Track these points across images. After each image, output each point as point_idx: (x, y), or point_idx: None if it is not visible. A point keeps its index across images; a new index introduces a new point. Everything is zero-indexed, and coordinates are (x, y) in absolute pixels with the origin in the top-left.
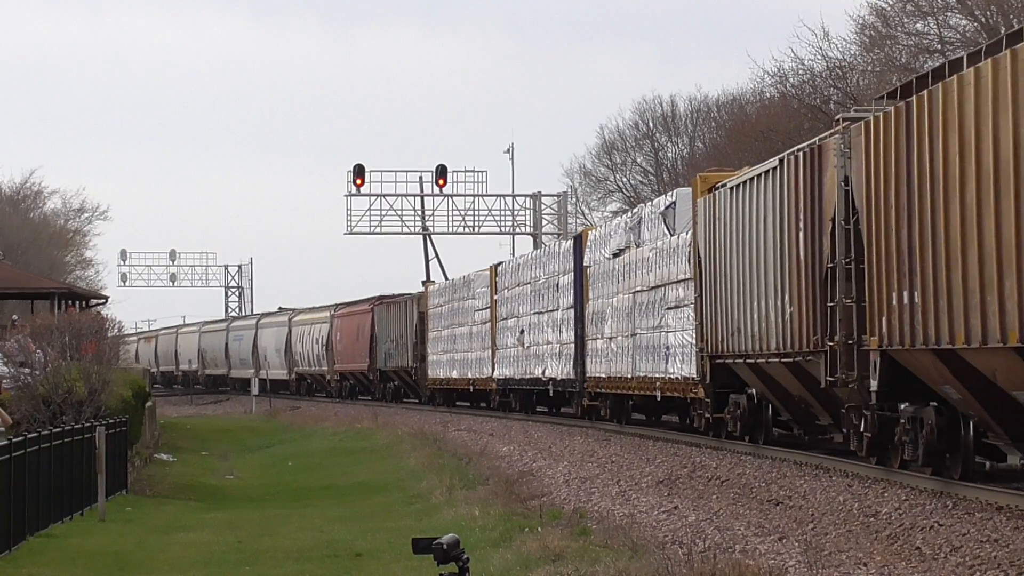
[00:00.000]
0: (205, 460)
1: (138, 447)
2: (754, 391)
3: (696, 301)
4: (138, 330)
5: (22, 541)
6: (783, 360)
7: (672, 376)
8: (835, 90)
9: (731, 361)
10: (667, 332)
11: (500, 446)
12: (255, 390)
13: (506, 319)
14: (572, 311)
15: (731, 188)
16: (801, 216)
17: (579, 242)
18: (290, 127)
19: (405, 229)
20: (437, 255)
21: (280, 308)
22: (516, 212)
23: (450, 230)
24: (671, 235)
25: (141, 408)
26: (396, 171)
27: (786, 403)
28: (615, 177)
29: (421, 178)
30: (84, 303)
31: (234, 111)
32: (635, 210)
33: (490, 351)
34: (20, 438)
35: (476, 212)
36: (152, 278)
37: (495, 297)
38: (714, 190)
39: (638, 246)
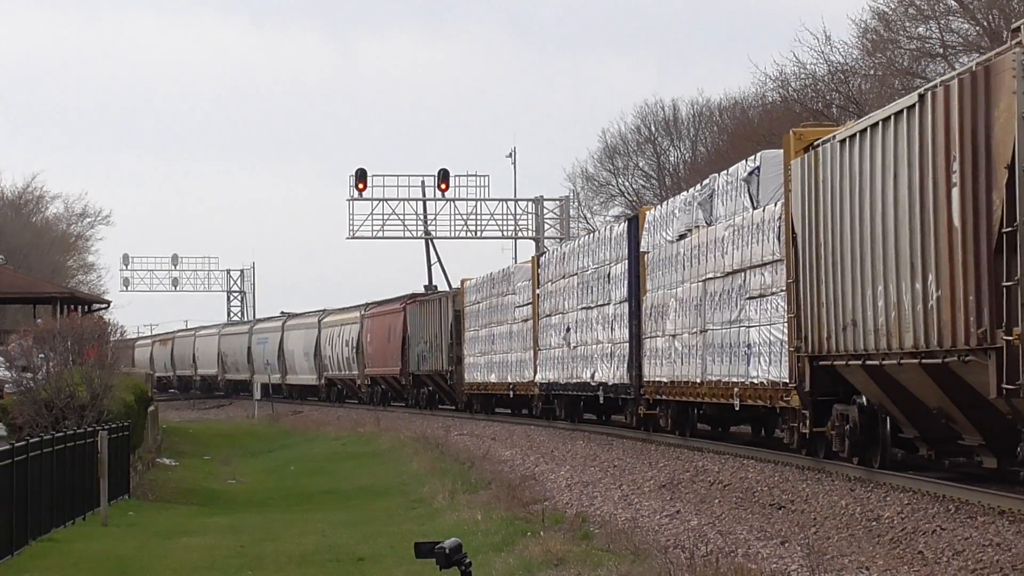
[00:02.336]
0: (207, 464)
1: (140, 451)
2: (866, 400)
3: (789, 288)
4: (153, 333)
5: (25, 545)
6: (924, 361)
7: (755, 381)
8: (837, 94)
9: (840, 363)
10: (748, 327)
11: (502, 450)
12: (257, 394)
13: (550, 316)
14: (626, 305)
15: (842, 141)
16: (955, 167)
17: (634, 224)
18: (292, 132)
19: (407, 233)
20: (439, 259)
21: (282, 312)
22: (518, 216)
23: (452, 234)
24: (754, 208)
25: (143, 412)
26: (398, 175)
27: (915, 417)
28: (617, 181)
29: (423, 182)
30: (86, 308)
31: (236, 116)
32: (706, 181)
33: (532, 352)
34: (23, 443)
35: (478, 216)
36: (154, 282)
37: (537, 291)
38: (814, 148)
39: (709, 224)
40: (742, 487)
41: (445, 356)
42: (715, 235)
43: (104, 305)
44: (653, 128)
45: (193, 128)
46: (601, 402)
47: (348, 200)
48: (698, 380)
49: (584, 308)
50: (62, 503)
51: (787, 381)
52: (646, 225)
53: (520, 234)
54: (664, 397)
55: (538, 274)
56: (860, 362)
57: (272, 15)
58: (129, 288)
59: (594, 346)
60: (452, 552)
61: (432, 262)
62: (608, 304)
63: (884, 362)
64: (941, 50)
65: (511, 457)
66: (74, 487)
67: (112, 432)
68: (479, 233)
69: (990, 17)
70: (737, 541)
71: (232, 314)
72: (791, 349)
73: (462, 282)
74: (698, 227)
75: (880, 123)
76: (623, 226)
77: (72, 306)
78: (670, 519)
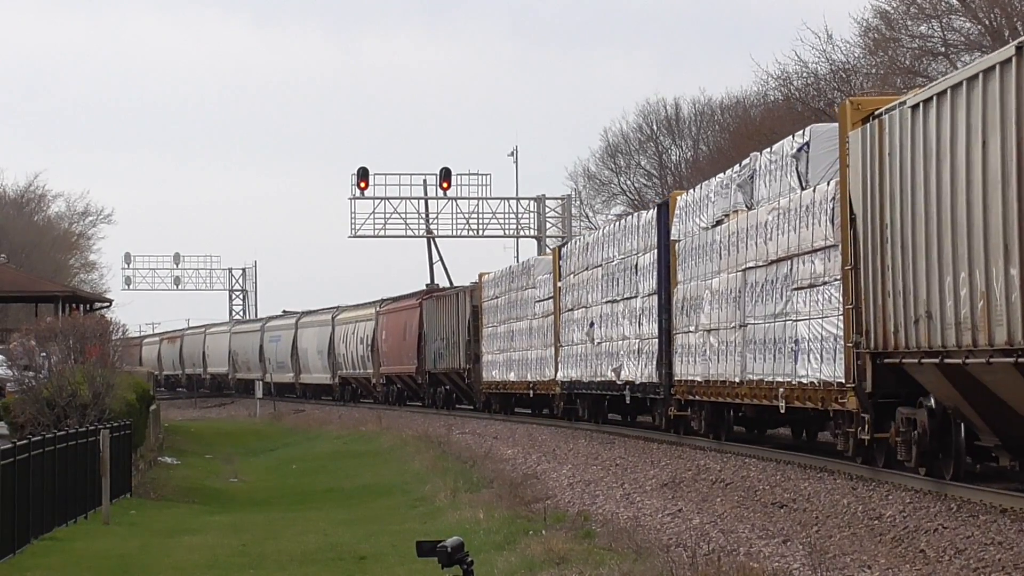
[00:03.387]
0: (209, 463)
1: (142, 450)
2: (935, 402)
3: (846, 276)
4: (158, 331)
5: (26, 544)
6: (1021, 360)
7: (804, 380)
8: (839, 93)
9: (910, 361)
10: (796, 321)
11: (504, 449)
12: (259, 393)
13: (572, 310)
14: (655, 298)
15: (913, 107)
16: None
17: (664, 211)
18: (294, 130)
19: (409, 232)
20: (441, 258)
21: (284, 311)
22: (520, 215)
23: (454, 233)
24: (803, 188)
25: (145, 411)
26: (400, 174)
27: (999, 423)
28: (619, 180)
29: (425, 181)
30: (88, 306)
31: (237, 115)
32: (745, 161)
33: (553, 349)
34: (24, 441)
35: (480, 215)
36: (156, 281)
37: (559, 284)
38: (876, 117)
39: (750, 208)
40: (744, 486)
41: (462, 353)
42: (757, 219)
43: (106, 304)
44: (655, 127)
45: (195, 127)
46: (627, 402)
47: (350, 199)
48: (737, 379)
49: (609, 301)
50: (64, 502)
51: (842, 381)
52: (677, 211)
53: (522, 233)
54: (697, 397)
55: (559, 266)
56: (936, 360)
57: (274, 14)
58: (131, 287)
59: (620, 342)
60: (454, 551)
61: (434, 261)
62: (635, 297)
63: (968, 361)
64: (943, 49)
65: (513, 456)
66: (76, 486)
67: (114, 431)
68: (481, 232)
69: (992, 16)
70: (739, 540)
71: (234, 313)
72: (849, 345)
73: (480, 276)
74: (737, 211)
75: (964, 83)
76: (652, 213)
77: (74, 305)
78: (672, 518)
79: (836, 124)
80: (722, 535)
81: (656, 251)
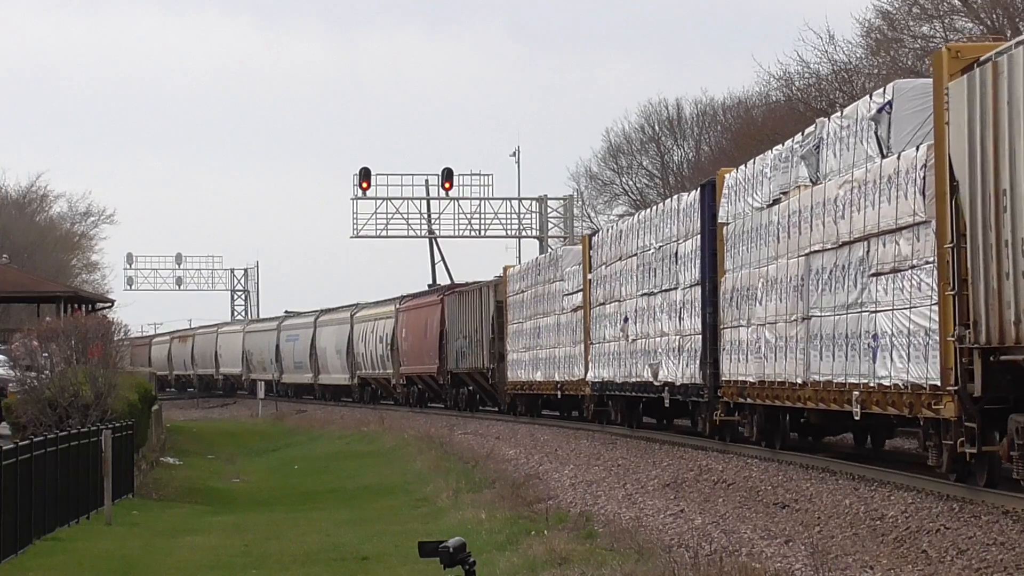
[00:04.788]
0: (211, 464)
1: (144, 451)
2: None
3: (943, 256)
4: (168, 331)
5: (28, 544)
6: None
7: (886, 382)
8: (840, 93)
9: None
10: (874, 312)
11: (506, 449)
12: (261, 393)
13: (603, 304)
14: (698, 289)
15: None
16: None
17: (709, 192)
18: (296, 131)
19: (411, 233)
20: (443, 258)
21: (285, 311)
22: (522, 215)
23: (456, 233)
24: (883, 156)
25: (147, 412)
26: (402, 175)
27: None
28: (621, 180)
29: (427, 181)
30: (90, 307)
31: (240, 115)
32: (810, 129)
33: (582, 346)
34: (27, 442)
35: (482, 215)
36: (158, 282)
37: (589, 276)
38: (982, 64)
39: (815, 182)
40: (746, 486)
41: (486, 352)
42: (824, 195)
43: (108, 304)
44: (657, 127)
45: (197, 127)
46: (666, 405)
47: (352, 199)
48: (799, 380)
49: (645, 294)
50: (66, 502)
51: (936, 383)
52: (725, 191)
53: (524, 233)
54: (749, 400)
55: (590, 256)
56: None
57: (275, 14)
58: (133, 287)
59: (657, 339)
60: (456, 551)
61: (436, 261)
62: (675, 288)
63: None
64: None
65: (515, 456)
66: (78, 486)
67: (116, 431)
68: (483, 232)
69: (994, 16)
70: (741, 540)
71: (236, 313)
72: (949, 339)
73: (504, 269)
74: (799, 187)
75: None
76: (694, 194)
77: (76, 305)
78: (674, 518)
79: (922, 80)
80: (724, 535)
81: (699, 237)
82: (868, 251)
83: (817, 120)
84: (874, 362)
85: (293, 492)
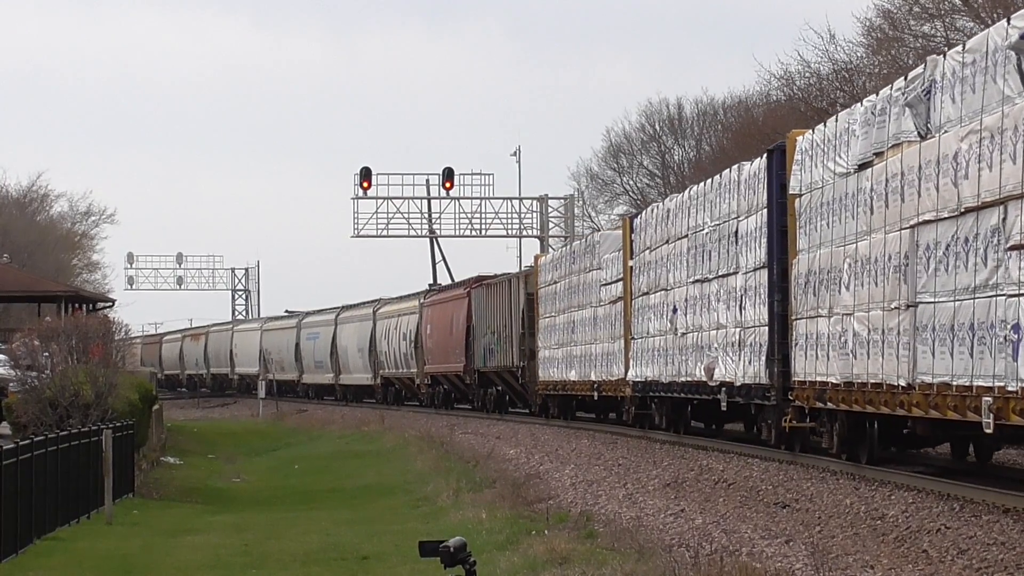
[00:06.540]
0: (212, 463)
1: (145, 450)
2: None
3: None
4: (182, 328)
5: (29, 544)
6: None
7: None
8: (841, 92)
9: None
10: (1013, 297)
11: (507, 449)
12: (261, 393)
13: (647, 294)
14: (764, 273)
15: None
16: None
17: (777, 158)
18: (296, 130)
19: (412, 232)
20: (444, 258)
21: (287, 311)
22: (523, 215)
23: (457, 233)
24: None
25: (148, 411)
26: (403, 174)
27: None
28: (622, 180)
29: (428, 181)
30: (91, 306)
31: (240, 115)
32: (915, 72)
33: (622, 342)
34: (27, 441)
35: (483, 215)
36: (159, 281)
37: (630, 263)
38: None
39: (925, 136)
40: (746, 486)
41: (515, 349)
42: (939, 151)
43: (109, 304)
44: (657, 127)
45: (197, 127)
46: (723, 408)
47: (352, 199)
48: (902, 382)
49: (698, 281)
50: (66, 502)
51: None
52: (797, 156)
53: (525, 233)
54: (830, 405)
55: (631, 241)
56: None
57: (274, 13)
58: (134, 287)
59: (713, 332)
60: (456, 551)
61: (437, 260)
62: (735, 273)
63: None
64: (946, 49)
65: (515, 456)
66: (78, 486)
67: (116, 431)
68: (484, 232)
69: (995, 16)
70: (741, 540)
71: (237, 312)
72: None
73: (535, 258)
74: (899, 145)
75: None
76: (759, 162)
77: (77, 305)
78: (674, 518)
79: None
80: (724, 535)
81: (765, 211)
82: (1005, 218)
83: (927, 58)
84: (1015, 359)
85: (293, 492)
